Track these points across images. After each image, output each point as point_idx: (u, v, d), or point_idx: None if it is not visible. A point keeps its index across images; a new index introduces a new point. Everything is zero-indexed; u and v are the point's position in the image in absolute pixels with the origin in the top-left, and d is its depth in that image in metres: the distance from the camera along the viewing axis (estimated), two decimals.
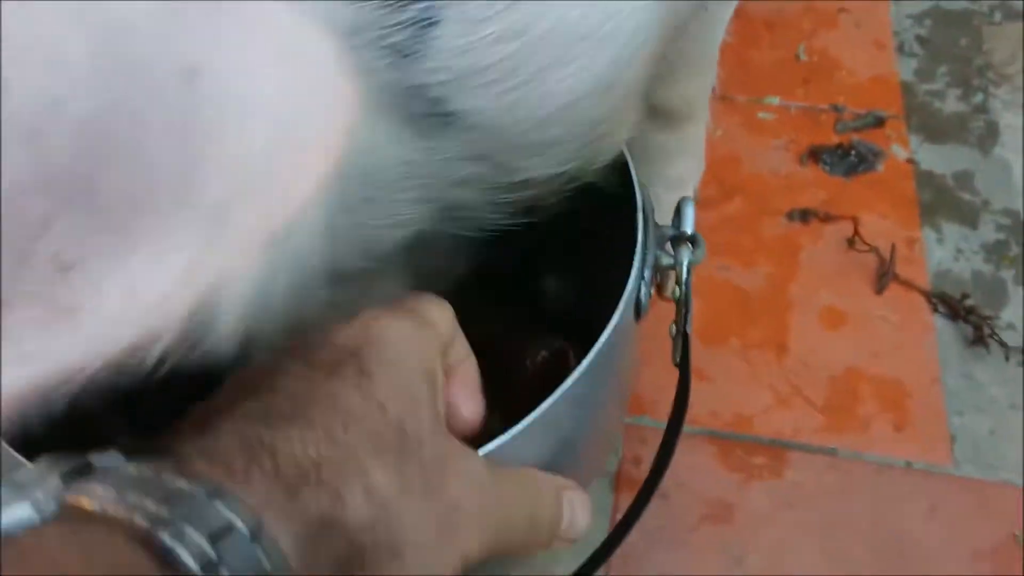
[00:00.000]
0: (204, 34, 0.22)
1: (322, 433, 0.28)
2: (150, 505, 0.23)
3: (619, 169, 0.50)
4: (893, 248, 0.84)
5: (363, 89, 0.27)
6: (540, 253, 0.58)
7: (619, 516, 0.72)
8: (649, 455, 0.74)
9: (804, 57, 1.03)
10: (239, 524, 0.24)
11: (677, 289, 0.46)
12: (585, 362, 0.41)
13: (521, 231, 0.40)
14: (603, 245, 0.48)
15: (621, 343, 0.44)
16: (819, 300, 0.84)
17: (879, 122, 0.96)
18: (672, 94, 0.64)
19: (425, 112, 0.30)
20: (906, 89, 1.00)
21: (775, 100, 0.99)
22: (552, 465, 0.43)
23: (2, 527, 0.22)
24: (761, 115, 0.98)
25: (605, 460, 0.53)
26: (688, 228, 0.46)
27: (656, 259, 0.46)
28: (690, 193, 0.77)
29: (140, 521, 0.22)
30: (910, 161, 0.93)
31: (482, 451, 0.39)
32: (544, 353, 0.56)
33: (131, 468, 0.25)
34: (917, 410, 0.77)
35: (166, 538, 0.22)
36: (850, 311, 0.83)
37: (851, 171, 0.92)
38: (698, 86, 0.66)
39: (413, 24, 0.27)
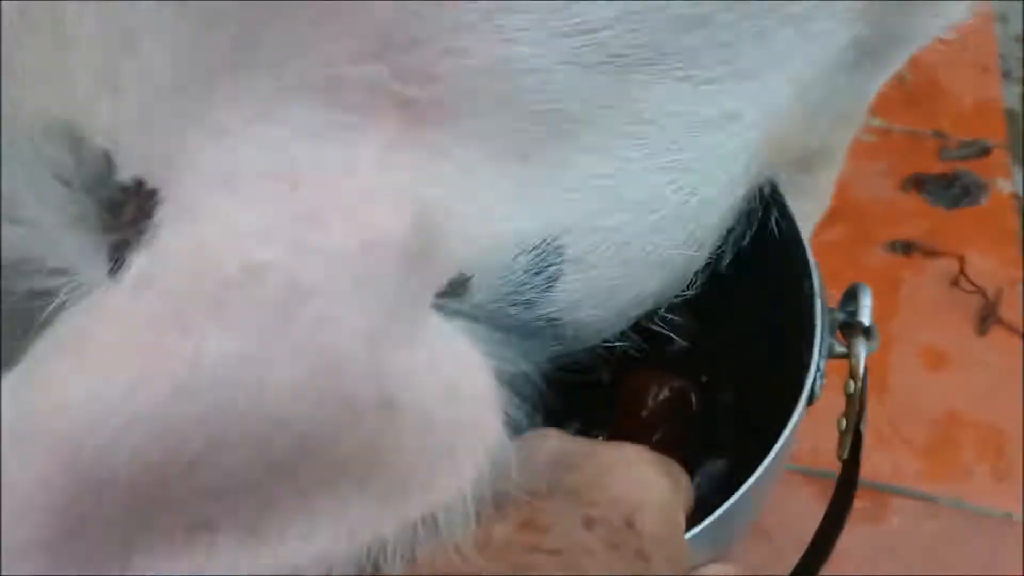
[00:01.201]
0: (402, 373, 0.28)
1: None
2: None
3: (788, 239, 0.49)
4: (1000, 291, 0.83)
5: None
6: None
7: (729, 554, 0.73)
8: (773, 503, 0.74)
9: (909, 78, 1.01)
10: None
11: (851, 383, 0.45)
12: (769, 459, 0.41)
13: None
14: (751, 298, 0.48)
15: (794, 432, 0.44)
16: (920, 338, 0.83)
17: (984, 152, 0.94)
18: (815, 139, 0.62)
19: (539, 329, 0.35)
20: (1011, 117, 0.98)
21: (878, 122, 0.97)
22: (714, 549, 0.43)
23: None
24: (864, 137, 0.96)
25: None
26: (865, 319, 0.45)
27: (830, 347, 0.45)
28: (811, 229, 0.76)
29: None
30: (1014, 196, 0.92)
31: None
32: (666, 392, 0.55)
33: None
34: (1017, 459, 0.77)
35: None
36: (951, 352, 0.82)
37: (955, 203, 0.91)
38: (843, 136, 0.64)
39: (541, 286, 0.33)
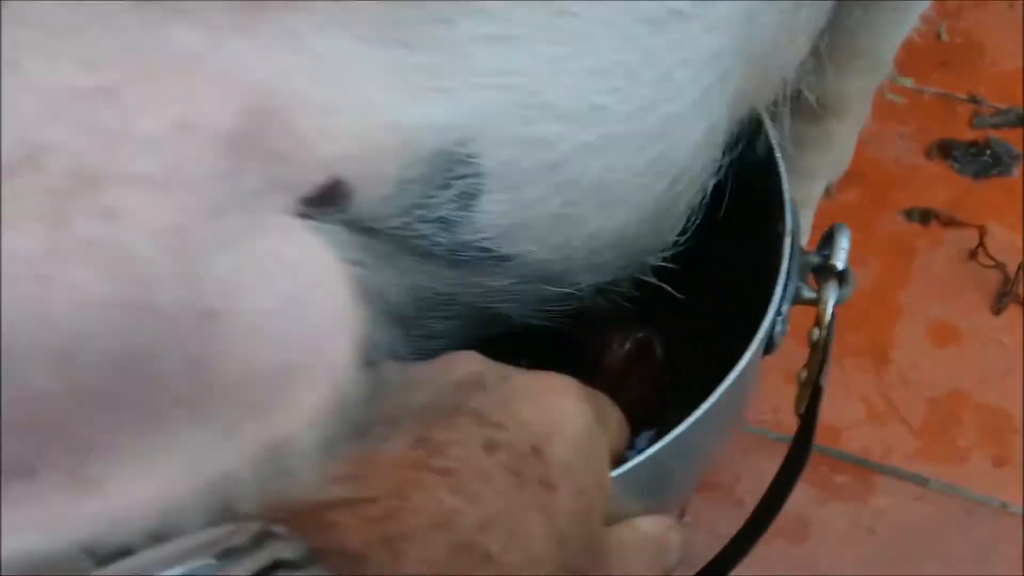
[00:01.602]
0: (223, 281, 0.26)
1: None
2: None
3: (770, 174, 0.44)
4: (1021, 267, 0.77)
5: (403, 260, 0.32)
6: None
7: (687, 517, 0.69)
8: (745, 466, 0.71)
9: (945, 37, 0.94)
10: None
11: (816, 331, 0.40)
12: (706, 406, 0.37)
13: None
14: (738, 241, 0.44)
15: (744, 382, 0.39)
16: (930, 312, 0.78)
17: (1021, 120, 0.88)
18: (824, 88, 0.57)
19: (475, 258, 0.33)
20: None
21: (908, 82, 0.90)
22: (651, 498, 0.39)
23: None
24: (891, 96, 0.90)
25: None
26: (839, 262, 0.41)
27: (797, 291, 0.41)
28: (819, 189, 0.71)
29: None
30: None
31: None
32: (628, 344, 0.52)
33: None
34: (1020, 447, 0.72)
35: None
36: (963, 328, 0.77)
37: (982, 172, 0.85)
38: (858, 85, 0.59)
39: (455, 201, 0.30)
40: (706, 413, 0.36)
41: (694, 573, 0.49)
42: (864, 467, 0.71)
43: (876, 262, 0.81)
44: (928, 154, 0.87)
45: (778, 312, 0.39)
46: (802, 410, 0.42)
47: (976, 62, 0.92)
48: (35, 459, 0.24)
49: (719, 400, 0.37)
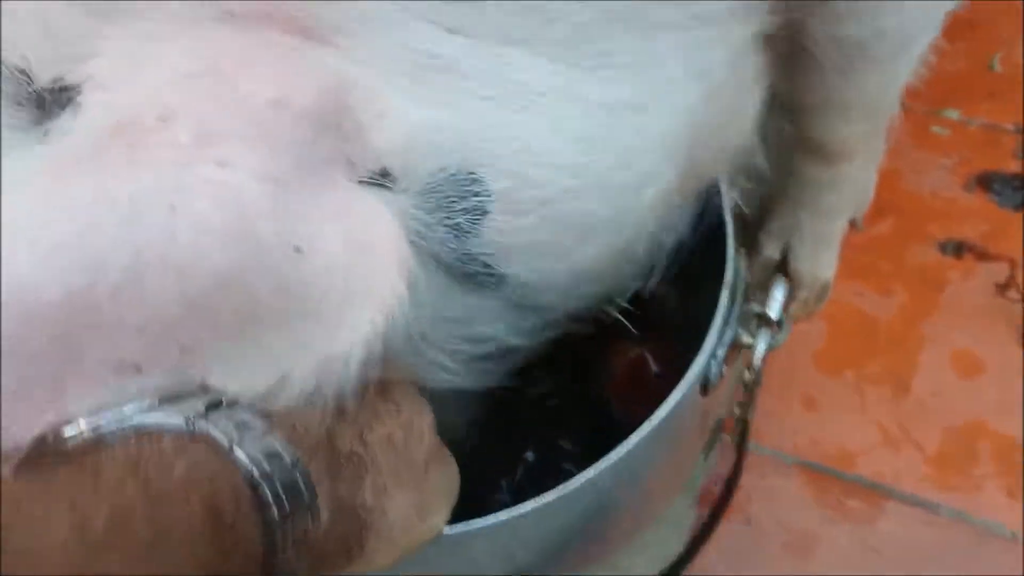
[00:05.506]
0: (307, 222, 0.33)
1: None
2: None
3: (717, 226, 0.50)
4: None
5: (426, 255, 0.38)
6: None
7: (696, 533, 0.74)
8: (760, 488, 0.74)
9: (998, 68, 0.95)
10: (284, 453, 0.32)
11: (747, 373, 0.45)
12: (633, 439, 0.43)
13: None
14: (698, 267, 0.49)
15: (681, 417, 0.45)
16: (955, 342, 0.80)
17: None
18: (823, 132, 0.61)
19: (478, 272, 0.39)
20: None
21: (954, 114, 0.92)
22: (593, 519, 0.45)
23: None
24: (935, 129, 0.92)
25: (664, 505, 0.55)
26: (774, 312, 0.46)
27: (736, 336, 0.46)
28: (840, 227, 0.74)
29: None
30: None
31: (523, 508, 0.42)
32: (623, 363, 0.58)
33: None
34: None
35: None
36: (988, 360, 0.79)
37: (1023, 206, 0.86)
38: (859, 131, 0.62)
39: (470, 211, 0.37)
40: (641, 440, 0.42)
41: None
42: (875, 491, 0.74)
43: (904, 292, 0.83)
44: (967, 186, 0.88)
45: (712, 355, 0.45)
46: (736, 441, 0.47)
47: None
48: (143, 358, 0.30)
49: (649, 434, 0.43)
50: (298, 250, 0.32)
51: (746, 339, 0.46)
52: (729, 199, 0.48)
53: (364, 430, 0.37)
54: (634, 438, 0.43)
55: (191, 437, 0.29)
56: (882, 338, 0.81)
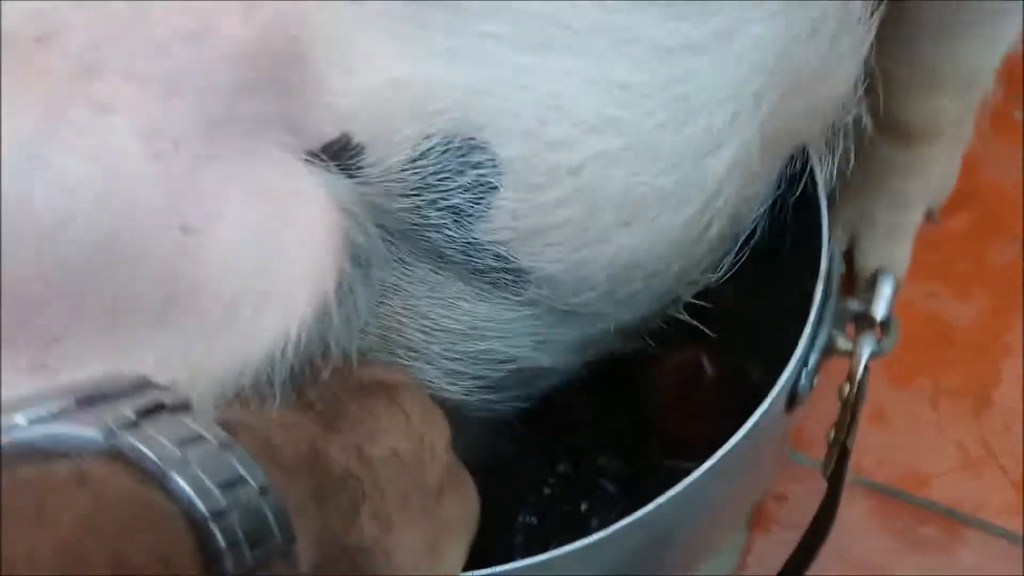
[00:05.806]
0: (206, 197, 0.26)
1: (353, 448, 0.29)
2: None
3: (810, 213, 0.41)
4: None
5: (405, 248, 0.32)
6: None
7: (749, 557, 0.66)
8: (797, 495, 0.67)
9: None
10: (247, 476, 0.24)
11: (847, 387, 0.37)
12: (708, 464, 0.35)
13: None
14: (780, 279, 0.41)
15: (759, 439, 0.37)
16: None
17: None
18: (908, 110, 0.53)
19: (490, 267, 0.32)
20: None
21: None
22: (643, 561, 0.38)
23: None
24: (1017, 114, 0.83)
25: (726, 537, 0.48)
26: (879, 311, 0.37)
27: (831, 340, 0.38)
28: (916, 217, 0.66)
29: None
30: None
31: (564, 549, 0.34)
32: (675, 363, 0.52)
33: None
34: None
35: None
36: None
37: None
38: (947, 106, 0.55)
39: (470, 189, 0.30)
40: (708, 471, 0.34)
41: None
42: (952, 518, 0.66)
43: (983, 295, 0.75)
44: None
45: (804, 363, 0.36)
46: (829, 472, 0.39)
47: None
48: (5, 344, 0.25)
49: (727, 455, 0.35)
50: (186, 231, 0.26)
51: (842, 344, 0.38)
52: (822, 171, 0.40)
53: (363, 443, 0.29)
54: (702, 468, 0.35)
55: (109, 457, 0.21)
56: (960, 346, 0.73)
